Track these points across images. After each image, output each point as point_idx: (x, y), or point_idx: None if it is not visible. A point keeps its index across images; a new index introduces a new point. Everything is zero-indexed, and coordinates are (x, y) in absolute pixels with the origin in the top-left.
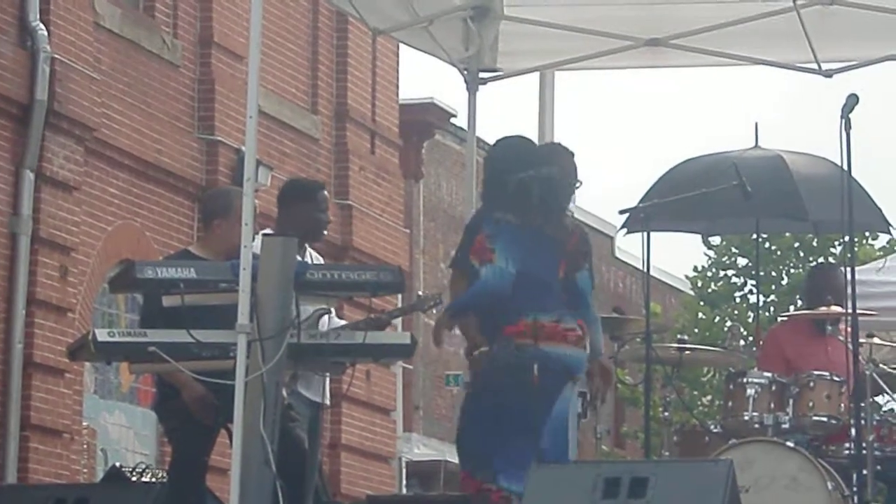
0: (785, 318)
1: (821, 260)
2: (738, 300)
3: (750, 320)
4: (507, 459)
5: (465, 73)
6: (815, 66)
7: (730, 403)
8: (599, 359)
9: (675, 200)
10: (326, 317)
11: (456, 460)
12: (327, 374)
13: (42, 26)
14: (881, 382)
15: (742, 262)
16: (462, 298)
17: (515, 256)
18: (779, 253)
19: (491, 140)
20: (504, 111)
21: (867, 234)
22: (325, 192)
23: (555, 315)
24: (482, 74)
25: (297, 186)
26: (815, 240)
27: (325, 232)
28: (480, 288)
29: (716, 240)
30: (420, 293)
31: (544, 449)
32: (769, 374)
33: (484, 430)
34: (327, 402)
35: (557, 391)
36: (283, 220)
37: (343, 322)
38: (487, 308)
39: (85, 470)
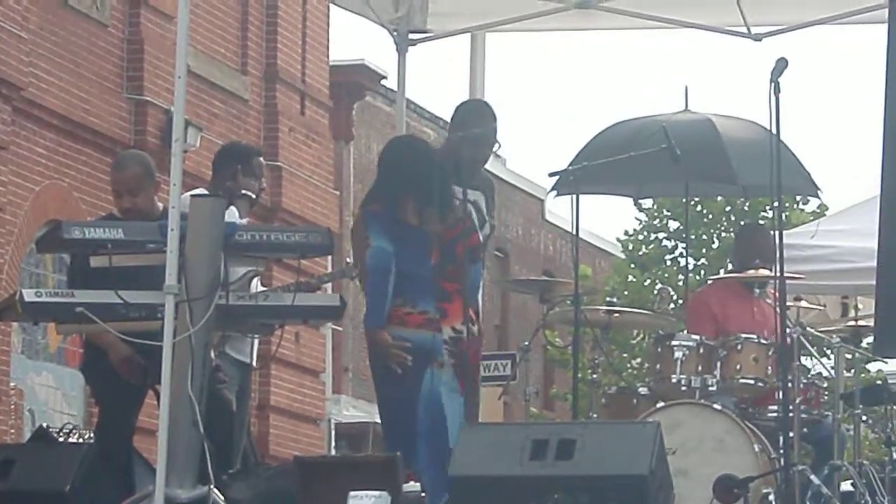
0: (712, 281)
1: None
2: (668, 263)
3: (680, 283)
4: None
5: (395, 34)
6: (744, 29)
7: (658, 366)
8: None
9: (605, 163)
10: (256, 279)
11: None
12: (256, 335)
13: None
14: (808, 345)
15: (673, 225)
16: (367, 299)
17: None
18: (710, 216)
19: (421, 102)
20: (435, 73)
21: (798, 198)
22: (261, 159)
23: (401, 300)
24: (412, 36)
25: (231, 150)
26: (747, 203)
27: (259, 198)
28: (368, 275)
29: (647, 203)
30: (349, 259)
31: (420, 429)
32: (697, 337)
33: None
34: (254, 363)
35: (411, 371)
36: (216, 183)
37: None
38: (384, 289)
39: (12, 430)
